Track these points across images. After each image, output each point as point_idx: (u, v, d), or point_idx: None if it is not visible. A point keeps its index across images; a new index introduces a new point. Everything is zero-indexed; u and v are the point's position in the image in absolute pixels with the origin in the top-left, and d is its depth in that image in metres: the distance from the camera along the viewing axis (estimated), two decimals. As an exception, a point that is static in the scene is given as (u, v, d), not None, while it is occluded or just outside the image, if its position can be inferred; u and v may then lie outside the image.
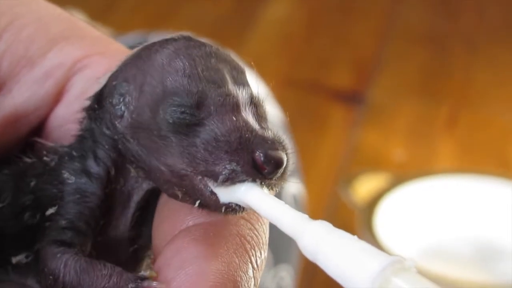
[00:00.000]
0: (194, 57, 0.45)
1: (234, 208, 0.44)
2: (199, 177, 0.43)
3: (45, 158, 0.48)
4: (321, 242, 0.40)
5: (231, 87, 0.45)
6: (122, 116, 0.46)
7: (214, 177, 0.43)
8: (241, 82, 0.46)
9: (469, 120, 1.83)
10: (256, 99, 0.46)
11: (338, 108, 1.85)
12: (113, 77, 0.47)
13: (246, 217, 0.47)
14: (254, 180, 0.43)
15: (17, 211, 0.47)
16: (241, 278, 0.44)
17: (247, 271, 0.45)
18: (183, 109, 0.44)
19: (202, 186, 0.43)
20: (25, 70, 0.50)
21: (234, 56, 0.48)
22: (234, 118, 0.44)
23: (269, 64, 1.95)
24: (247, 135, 0.43)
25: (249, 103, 0.45)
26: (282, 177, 0.44)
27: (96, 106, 0.47)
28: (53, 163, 0.48)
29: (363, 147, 1.72)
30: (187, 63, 0.45)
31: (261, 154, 0.43)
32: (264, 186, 0.43)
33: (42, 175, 0.48)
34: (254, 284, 0.45)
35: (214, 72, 0.45)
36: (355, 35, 2.16)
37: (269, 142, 0.43)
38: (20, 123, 0.51)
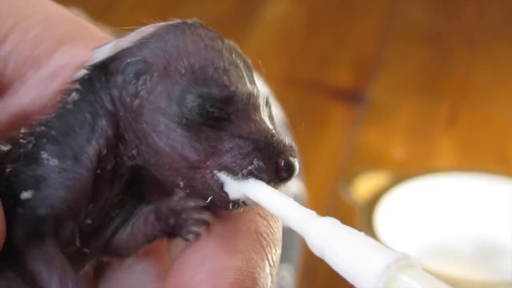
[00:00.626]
0: (219, 49, 0.46)
1: (240, 205, 0.44)
2: (214, 171, 0.43)
3: (21, 140, 0.46)
4: (328, 238, 0.40)
5: (251, 86, 0.46)
6: (137, 95, 0.45)
7: (237, 169, 0.43)
8: (253, 80, 0.47)
9: (469, 118, 1.83)
10: (267, 97, 0.46)
11: (338, 107, 1.85)
12: (127, 52, 0.45)
13: (261, 213, 0.47)
14: (269, 182, 0.44)
15: None
16: (259, 275, 0.44)
17: (264, 268, 0.45)
18: (212, 102, 0.44)
19: (213, 182, 0.44)
20: (32, 70, 0.50)
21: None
22: (259, 119, 0.45)
23: (269, 63, 1.95)
24: (274, 138, 0.44)
25: (265, 104, 0.46)
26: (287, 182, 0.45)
27: (100, 77, 0.46)
28: (30, 146, 0.46)
29: (364, 146, 1.72)
30: (215, 55, 0.45)
31: (284, 161, 0.44)
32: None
33: (18, 159, 0.46)
34: (272, 281, 0.46)
35: (236, 68, 0.45)
36: (355, 34, 2.16)
37: (290, 149, 0.45)
38: (27, 123, 0.50)
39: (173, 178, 0.45)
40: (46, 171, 0.45)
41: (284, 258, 0.87)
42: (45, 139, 0.46)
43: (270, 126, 0.45)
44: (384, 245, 0.39)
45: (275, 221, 0.48)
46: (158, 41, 0.45)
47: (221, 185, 0.44)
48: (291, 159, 0.44)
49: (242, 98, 0.44)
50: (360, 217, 1.34)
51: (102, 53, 0.46)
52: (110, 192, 0.47)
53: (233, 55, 0.46)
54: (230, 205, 0.44)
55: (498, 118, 1.83)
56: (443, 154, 1.71)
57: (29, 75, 0.50)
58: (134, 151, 0.46)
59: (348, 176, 1.47)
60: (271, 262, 0.46)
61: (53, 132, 0.46)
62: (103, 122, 0.45)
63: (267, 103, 0.46)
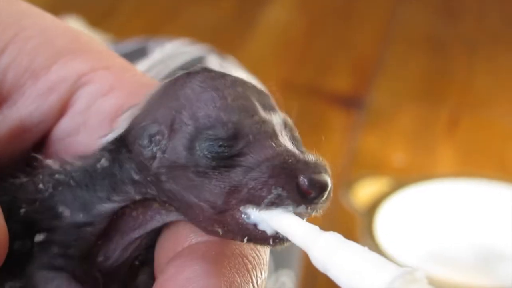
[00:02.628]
0: (221, 87, 0.45)
1: (281, 239, 0.43)
2: (241, 208, 0.43)
3: (40, 185, 0.47)
4: (332, 253, 0.40)
5: (263, 113, 0.44)
6: (154, 157, 0.45)
7: (258, 201, 0.42)
8: (270, 107, 0.46)
9: (469, 123, 1.83)
10: (288, 122, 0.46)
11: (338, 112, 1.85)
12: (139, 118, 0.46)
13: None
14: (299, 205, 0.42)
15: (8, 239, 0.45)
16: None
17: (252, 283, 0.45)
18: (220, 142, 0.43)
19: (244, 221, 0.43)
20: (30, 82, 0.50)
21: (256, 82, 0.48)
22: (274, 144, 0.43)
23: (269, 69, 1.95)
24: (290, 160, 0.43)
25: (283, 127, 0.45)
26: (326, 199, 0.43)
27: (122, 149, 0.46)
28: (46, 194, 0.47)
29: (363, 152, 1.72)
30: (215, 95, 0.44)
31: (305, 179, 0.42)
32: (308, 211, 0.43)
33: (33, 202, 0.46)
34: None
35: (244, 100, 0.44)
36: (354, 40, 2.16)
37: (312, 166, 0.43)
38: (24, 135, 0.51)
39: (211, 227, 0.44)
40: (61, 224, 0.46)
41: (284, 264, 0.87)
42: (61, 189, 0.46)
43: (291, 149, 0.44)
44: (389, 259, 0.39)
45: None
46: (162, 99, 0.45)
47: (254, 223, 0.43)
48: (315, 175, 0.42)
49: (251, 130, 0.43)
50: (360, 223, 1.34)
51: (121, 126, 0.47)
52: (129, 234, 0.47)
53: (240, 89, 0.45)
54: (271, 241, 0.43)
55: (499, 123, 1.83)
56: (443, 160, 1.71)
57: (27, 87, 0.50)
58: (172, 207, 0.46)
59: (348, 182, 1.47)
60: (255, 285, 0.45)
61: (72, 183, 0.47)
62: (130, 191, 0.46)
63: (286, 126, 0.45)
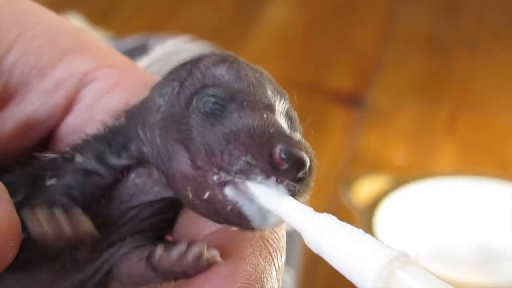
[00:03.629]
0: (240, 64, 0.46)
1: (240, 212, 0.42)
2: (214, 171, 0.42)
3: (66, 155, 0.48)
4: (326, 234, 0.40)
5: (270, 94, 0.44)
6: (159, 110, 0.46)
7: (227, 167, 0.41)
8: (281, 96, 0.46)
9: (470, 121, 1.83)
10: (293, 115, 0.45)
11: (338, 110, 1.85)
12: (161, 80, 0.48)
13: None
14: (268, 176, 0.41)
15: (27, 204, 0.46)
16: (267, 280, 0.45)
17: (272, 273, 0.46)
18: (215, 99, 0.43)
19: (213, 182, 0.42)
20: (36, 80, 0.51)
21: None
22: (265, 116, 0.43)
23: (270, 67, 1.94)
24: (271, 130, 0.42)
25: (284, 113, 0.45)
26: (305, 183, 0.42)
27: (140, 107, 0.47)
28: (69, 156, 0.48)
29: (364, 149, 1.72)
30: (231, 67, 0.45)
31: (280, 149, 0.41)
32: (284, 188, 0.41)
33: (59, 168, 0.48)
34: (278, 287, 0.46)
35: (257, 81, 0.45)
36: (355, 38, 2.16)
37: (292, 140, 0.42)
38: (31, 131, 0.52)
39: (184, 190, 0.43)
40: (72, 167, 0.47)
41: (284, 261, 0.87)
42: (84, 147, 0.48)
43: (281, 124, 0.43)
44: (383, 242, 0.39)
45: (280, 227, 0.48)
46: (184, 64, 0.47)
47: (222, 186, 0.42)
48: (292, 149, 0.41)
49: (248, 97, 0.43)
50: (360, 221, 1.34)
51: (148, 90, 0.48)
52: (129, 202, 0.48)
53: (257, 74, 0.46)
54: (228, 208, 0.42)
55: (499, 121, 1.83)
56: (443, 158, 1.71)
57: (33, 84, 0.51)
58: (162, 177, 0.46)
59: (349, 180, 1.47)
60: (277, 268, 0.46)
61: (90, 140, 0.48)
62: (132, 148, 0.47)
63: (288, 115, 0.45)
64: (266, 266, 0.45)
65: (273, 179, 0.41)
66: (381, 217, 1.35)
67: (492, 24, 2.24)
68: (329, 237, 0.39)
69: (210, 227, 0.47)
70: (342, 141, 1.74)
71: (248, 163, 0.41)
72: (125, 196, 0.48)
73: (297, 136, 0.43)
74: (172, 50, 0.89)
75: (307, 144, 0.43)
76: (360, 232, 0.39)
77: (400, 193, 1.42)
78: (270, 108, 0.43)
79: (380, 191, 1.41)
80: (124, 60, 0.54)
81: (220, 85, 0.44)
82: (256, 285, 0.44)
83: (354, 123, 1.81)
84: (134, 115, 0.47)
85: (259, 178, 0.41)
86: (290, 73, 1.98)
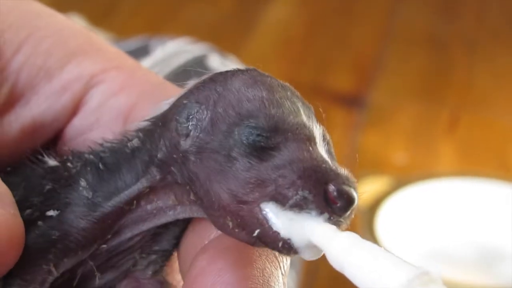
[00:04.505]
0: (271, 84, 0.45)
1: (291, 246, 0.42)
2: (262, 205, 0.42)
3: (68, 164, 0.47)
4: (349, 252, 0.40)
5: (306, 119, 0.45)
6: (188, 135, 0.45)
7: (283, 200, 0.41)
8: (313, 118, 0.46)
9: (470, 122, 1.83)
10: (327, 137, 0.46)
11: (339, 111, 1.85)
12: (182, 98, 0.46)
13: None
14: (322, 213, 0.41)
15: (21, 207, 0.45)
16: (274, 284, 0.45)
17: (278, 277, 0.45)
18: (259, 132, 0.43)
19: (262, 216, 0.42)
20: (43, 82, 0.51)
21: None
22: (311, 148, 0.43)
23: (270, 67, 1.95)
24: (323, 166, 0.42)
25: (322, 139, 0.45)
26: (349, 216, 0.43)
27: (159, 124, 0.46)
28: (74, 171, 0.47)
29: (364, 150, 1.72)
30: (265, 89, 0.44)
31: (335, 188, 0.41)
32: (330, 222, 0.42)
33: (59, 180, 0.47)
34: None
35: (291, 103, 0.45)
36: (355, 38, 2.16)
37: (344, 177, 0.42)
38: (37, 133, 0.52)
39: (223, 219, 0.43)
40: (77, 198, 0.46)
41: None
42: (89, 168, 0.47)
43: (325, 157, 0.43)
44: (405, 260, 0.39)
45: None
46: (209, 84, 0.46)
47: (270, 222, 0.42)
48: (345, 186, 0.41)
49: (292, 128, 0.43)
50: (361, 222, 1.34)
51: (164, 105, 0.47)
52: (136, 227, 0.47)
53: (288, 93, 0.46)
54: (280, 244, 0.42)
55: (499, 122, 1.83)
56: (444, 159, 1.71)
57: (40, 86, 0.51)
58: (189, 196, 0.46)
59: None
60: (283, 271, 0.46)
61: (100, 165, 0.47)
62: (153, 170, 0.46)
63: (325, 139, 0.45)
64: (273, 270, 0.45)
65: (326, 215, 0.41)
66: (382, 218, 1.35)
67: (492, 24, 2.24)
68: (350, 255, 0.40)
69: (215, 232, 0.46)
70: (342, 142, 1.74)
71: (305, 198, 0.41)
72: (133, 225, 0.47)
73: (340, 168, 0.44)
74: (173, 51, 0.89)
75: (351, 176, 0.43)
76: (382, 250, 0.39)
77: (400, 194, 1.42)
78: (313, 138, 0.44)
79: (381, 191, 1.41)
80: (132, 62, 0.54)
81: (259, 114, 0.43)
82: None
83: (354, 124, 1.81)
84: (152, 136, 0.46)
85: (313, 213, 0.41)
86: (290, 74, 1.98)
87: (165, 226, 0.48)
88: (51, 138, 0.52)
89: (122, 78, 0.52)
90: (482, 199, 1.44)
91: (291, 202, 0.41)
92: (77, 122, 0.52)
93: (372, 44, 2.14)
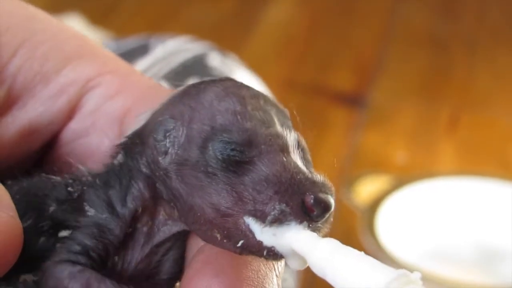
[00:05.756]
0: (243, 96, 0.45)
1: (276, 253, 0.43)
2: (245, 217, 0.43)
3: (69, 188, 0.48)
4: (329, 259, 0.41)
5: (280, 128, 0.45)
6: (166, 152, 0.45)
7: (262, 217, 0.42)
8: (288, 125, 0.46)
9: (470, 122, 1.83)
10: (302, 143, 0.46)
11: (339, 110, 1.85)
12: (157, 113, 0.46)
13: None
14: (301, 222, 0.42)
15: (35, 235, 0.46)
16: (268, 285, 0.46)
17: (273, 279, 0.46)
18: (233, 146, 0.43)
19: (246, 228, 0.43)
20: (40, 85, 0.52)
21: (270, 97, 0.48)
22: (285, 159, 0.43)
23: (270, 67, 1.95)
24: (298, 177, 0.43)
25: (296, 146, 0.45)
26: (327, 220, 0.44)
27: (137, 142, 0.47)
28: (75, 195, 0.48)
29: (365, 149, 1.72)
30: (237, 102, 0.45)
31: (312, 197, 0.42)
32: (310, 229, 0.43)
33: (63, 203, 0.47)
34: None
35: (264, 112, 0.45)
36: (356, 38, 2.16)
37: (319, 185, 0.43)
38: (33, 136, 0.52)
39: (210, 233, 0.44)
40: (85, 221, 0.47)
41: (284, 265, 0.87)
42: (89, 188, 0.48)
43: (301, 166, 0.44)
44: (384, 264, 0.40)
45: None
46: (182, 98, 0.46)
47: (253, 231, 0.43)
48: (321, 194, 0.42)
49: (266, 140, 0.44)
50: (361, 221, 1.34)
51: (140, 120, 0.48)
52: (138, 248, 0.48)
53: (261, 102, 0.46)
54: (265, 252, 0.43)
55: (499, 122, 1.83)
56: (444, 158, 1.71)
57: (37, 90, 0.52)
58: (175, 212, 0.46)
59: (349, 180, 1.47)
60: (278, 273, 0.47)
61: (98, 184, 0.48)
62: (139, 185, 0.47)
63: (299, 146, 0.45)
64: (267, 272, 0.46)
65: (305, 223, 0.42)
66: (382, 217, 1.35)
67: (492, 24, 2.24)
68: (331, 261, 0.41)
69: None
70: (343, 141, 1.74)
71: (282, 211, 0.42)
72: (136, 248, 0.48)
73: (315, 174, 0.44)
74: (173, 50, 0.90)
75: (327, 182, 0.44)
76: (361, 254, 0.41)
77: (401, 193, 1.42)
78: (287, 148, 0.44)
79: (381, 191, 1.41)
80: (127, 66, 0.55)
81: (232, 128, 0.44)
82: None
83: (355, 123, 1.81)
84: (133, 152, 0.47)
85: (293, 223, 0.42)
86: (291, 73, 1.98)
87: (166, 253, 0.48)
88: (47, 141, 0.53)
89: (117, 82, 0.53)
90: (482, 199, 1.44)
91: (270, 218, 0.42)
92: (73, 126, 0.53)
93: (372, 44, 2.14)
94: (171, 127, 0.45)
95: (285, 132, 0.45)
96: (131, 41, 0.95)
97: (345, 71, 2.00)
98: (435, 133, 1.79)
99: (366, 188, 1.43)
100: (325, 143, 1.71)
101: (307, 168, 0.44)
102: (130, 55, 0.86)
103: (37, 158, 0.53)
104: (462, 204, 1.44)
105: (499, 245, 1.40)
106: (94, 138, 0.52)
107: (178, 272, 0.49)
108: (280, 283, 0.47)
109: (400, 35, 2.18)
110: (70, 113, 0.52)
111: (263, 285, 0.45)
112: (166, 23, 2.15)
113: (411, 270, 0.39)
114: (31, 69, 0.51)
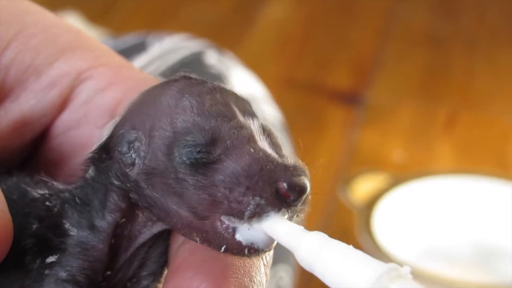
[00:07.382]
0: (199, 93, 0.44)
1: (256, 250, 0.43)
2: (221, 219, 0.42)
3: (47, 203, 0.47)
4: (317, 253, 0.40)
5: (242, 118, 0.44)
6: (133, 164, 0.44)
7: (240, 214, 0.42)
8: (250, 113, 0.45)
9: (468, 121, 1.83)
10: (267, 128, 0.45)
11: (337, 109, 1.85)
12: (119, 126, 0.46)
13: None
14: (279, 210, 0.42)
15: (19, 253, 0.45)
16: (255, 274, 0.45)
17: (260, 267, 0.46)
18: (198, 148, 0.42)
19: (224, 229, 0.42)
20: (32, 78, 0.52)
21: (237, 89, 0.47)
22: (252, 150, 0.43)
23: (268, 65, 1.96)
24: (268, 166, 0.42)
25: (262, 133, 0.44)
26: (305, 202, 0.43)
27: (104, 156, 0.46)
28: (55, 210, 0.47)
29: (362, 148, 1.73)
30: (193, 101, 0.44)
31: (285, 183, 0.41)
32: (289, 214, 0.42)
33: (44, 219, 0.47)
34: (266, 280, 0.46)
35: (222, 106, 0.44)
36: (354, 36, 2.17)
37: (291, 169, 0.42)
38: (25, 129, 0.52)
39: (189, 235, 0.44)
40: (67, 241, 0.46)
41: (282, 259, 0.87)
42: (67, 205, 0.47)
43: (270, 153, 0.43)
44: (373, 257, 0.39)
45: None
46: (139, 106, 0.45)
47: (232, 232, 0.42)
48: (294, 178, 0.42)
49: (230, 134, 0.43)
50: (358, 219, 1.34)
51: (105, 133, 0.47)
52: (124, 253, 0.48)
53: (218, 95, 0.45)
54: (246, 251, 0.43)
55: (497, 120, 1.83)
56: (442, 157, 1.71)
57: (29, 83, 0.52)
58: (154, 217, 0.46)
59: (347, 178, 1.47)
60: (265, 262, 0.47)
61: (76, 200, 0.47)
62: (114, 198, 0.46)
63: (265, 131, 0.45)
64: (254, 261, 0.46)
65: (283, 211, 0.42)
66: (379, 215, 1.35)
67: (491, 23, 2.24)
68: (319, 255, 0.40)
69: None
70: (341, 140, 1.74)
71: (258, 205, 0.42)
72: (121, 253, 0.47)
73: (285, 157, 0.44)
74: (170, 48, 0.90)
75: (299, 163, 0.43)
76: (350, 248, 0.40)
77: (398, 192, 1.42)
78: (253, 138, 0.43)
79: (378, 189, 1.41)
80: (120, 59, 0.55)
81: (193, 129, 0.43)
82: (245, 279, 0.45)
83: (353, 122, 1.81)
84: (102, 167, 0.46)
85: (271, 214, 0.42)
86: (289, 72, 1.98)
87: (148, 250, 0.48)
88: (39, 133, 0.53)
89: (109, 74, 0.52)
90: (480, 197, 1.44)
91: (247, 213, 0.42)
92: (65, 118, 0.53)
93: (371, 42, 2.15)
94: (134, 138, 0.45)
95: (248, 121, 0.44)
96: (129, 39, 0.95)
97: (343, 69, 2.00)
98: (433, 131, 1.79)
99: (363, 186, 1.43)
100: (322, 141, 1.71)
101: (277, 153, 0.44)
102: (128, 53, 0.86)
103: (29, 151, 0.53)
104: (460, 203, 1.44)
105: (497, 244, 1.40)
106: (86, 130, 0.52)
107: (163, 267, 0.49)
108: (268, 272, 0.47)
109: (399, 34, 2.18)
110: (62, 105, 0.52)
111: (250, 274, 0.45)
112: (164, 21, 2.15)
113: (401, 264, 0.39)
114: (24, 61, 0.51)
